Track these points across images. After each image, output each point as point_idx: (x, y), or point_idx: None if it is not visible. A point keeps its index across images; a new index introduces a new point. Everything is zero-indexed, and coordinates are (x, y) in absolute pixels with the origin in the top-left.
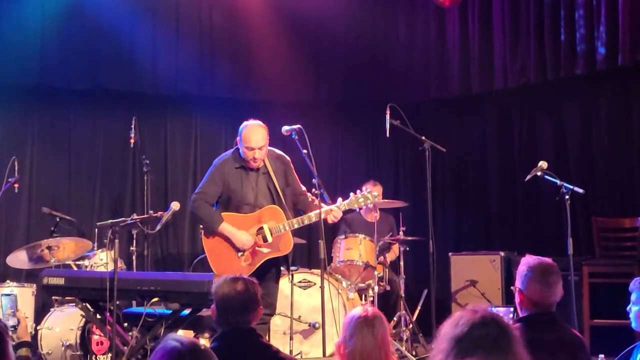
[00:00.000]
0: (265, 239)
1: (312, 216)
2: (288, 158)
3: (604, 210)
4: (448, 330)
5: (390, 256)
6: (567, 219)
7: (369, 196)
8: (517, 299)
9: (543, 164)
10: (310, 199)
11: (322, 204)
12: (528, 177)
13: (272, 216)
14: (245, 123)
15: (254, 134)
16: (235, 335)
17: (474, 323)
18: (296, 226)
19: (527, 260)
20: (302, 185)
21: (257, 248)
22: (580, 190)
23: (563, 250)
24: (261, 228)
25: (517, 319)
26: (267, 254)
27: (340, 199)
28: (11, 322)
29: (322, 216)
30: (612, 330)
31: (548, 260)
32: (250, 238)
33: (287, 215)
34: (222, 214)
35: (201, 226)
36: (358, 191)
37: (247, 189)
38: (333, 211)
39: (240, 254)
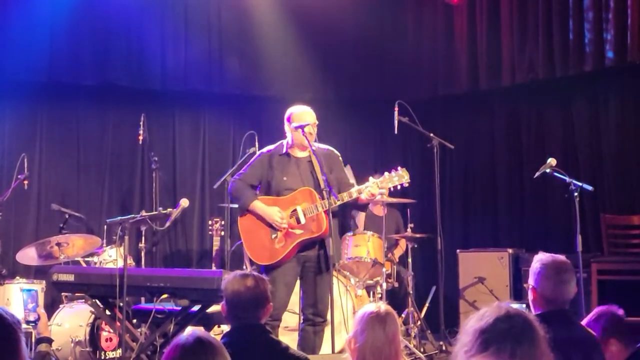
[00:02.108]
0: (298, 221)
1: (344, 195)
2: (337, 152)
3: (613, 207)
4: (473, 323)
5: (397, 252)
6: (576, 216)
7: (404, 175)
8: (530, 297)
9: (552, 161)
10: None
11: (332, 198)
12: (537, 174)
13: (305, 198)
14: (290, 108)
15: (305, 110)
16: (245, 331)
17: (499, 316)
18: (329, 207)
19: (540, 258)
20: (351, 179)
21: (290, 230)
22: (589, 187)
23: (572, 247)
24: (295, 210)
25: None
26: (300, 235)
27: (371, 178)
28: (32, 317)
29: (354, 195)
30: None
31: (562, 257)
32: (282, 215)
33: (322, 198)
34: (258, 196)
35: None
36: (392, 170)
37: (289, 174)
38: (370, 187)
39: (274, 235)
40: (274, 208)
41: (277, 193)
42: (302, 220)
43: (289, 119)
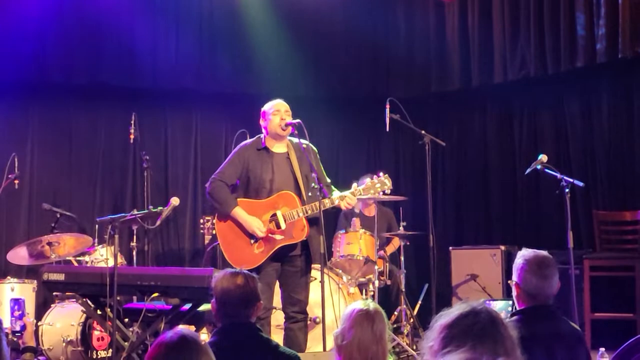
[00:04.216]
0: (278, 226)
1: (326, 202)
2: (314, 148)
3: (605, 204)
4: (439, 319)
5: (389, 249)
6: (567, 213)
7: (386, 181)
8: (514, 293)
9: (543, 158)
10: (333, 189)
11: (325, 199)
12: (528, 170)
13: (285, 202)
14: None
15: (278, 101)
16: (235, 330)
17: (462, 312)
18: (309, 212)
19: (523, 254)
20: (327, 178)
21: (270, 235)
22: (580, 184)
23: (564, 243)
24: (274, 215)
25: (514, 311)
26: (280, 241)
27: (355, 184)
28: (18, 326)
29: (336, 202)
30: (613, 323)
31: (544, 252)
32: (262, 225)
33: (303, 202)
34: (238, 200)
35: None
36: (375, 176)
37: (267, 171)
38: (347, 197)
39: (253, 241)
40: (254, 219)
41: (256, 190)
42: (283, 226)
43: (263, 114)
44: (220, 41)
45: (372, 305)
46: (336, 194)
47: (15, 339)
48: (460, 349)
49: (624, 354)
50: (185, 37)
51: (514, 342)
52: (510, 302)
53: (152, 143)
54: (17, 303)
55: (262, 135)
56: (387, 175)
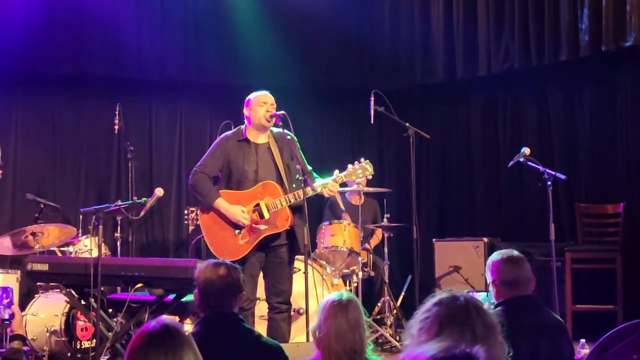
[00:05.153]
0: (262, 216)
1: (308, 190)
2: (295, 137)
3: (587, 196)
4: (419, 309)
5: (374, 241)
6: (549, 205)
7: (367, 167)
8: (493, 292)
9: (526, 150)
10: (315, 177)
11: (307, 187)
12: (511, 163)
13: (268, 192)
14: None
15: (265, 93)
16: (217, 320)
17: (441, 299)
18: (292, 201)
19: (491, 256)
20: (308, 165)
21: (254, 225)
22: (562, 176)
23: (546, 236)
24: (258, 205)
25: (496, 303)
26: (264, 231)
27: (337, 171)
28: (6, 314)
29: (318, 190)
30: (594, 315)
31: (510, 249)
32: (245, 213)
33: (285, 191)
34: (220, 191)
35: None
36: (356, 162)
37: (249, 162)
38: (329, 184)
39: (237, 231)
40: (237, 207)
41: (238, 181)
42: (266, 215)
43: (247, 103)
44: (206, 32)
45: (346, 295)
46: (319, 181)
47: (3, 328)
48: (439, 337)
49: (604, 345)
50: (171, 28)
51: (489, 328)
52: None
53: (136, 134)
54: (5, 291)
55: (242, 127)
56: (368, 160)
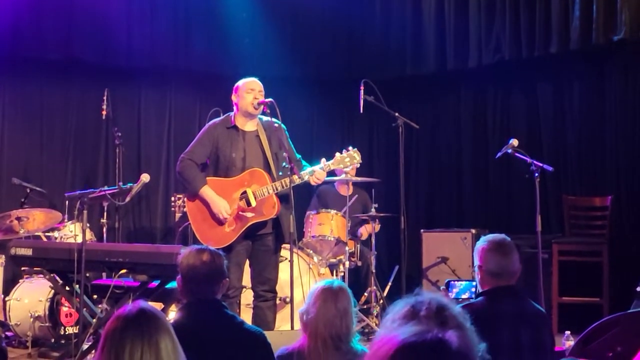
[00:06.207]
0: (249, 203)
1: (295, 178)
2: (283, 125)
3: (575, 189)
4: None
5: (368, 229)
6: (536, 197)
7: (355, 155)
8: (477, 277)
9: (514, 142)
10: (303, 164)
11: (294, 175)
12: (499, 154)
13: (255, 179)
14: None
15: (253, 80)
16: (200, 306)
17: (408, 301)
18: (280, 189)
19: (483, 238)
20: (297, 154)
21: (241, 213)
22: (550, 168)
23: (534, 228)
24: (245, 192)
25: (479, 292)
26: (251, 219)
27: (323, 160)
28: None
29: (305, 178)
30: (580, 307)
31: (502, 235)
32: (228, 207)
33: (273, 179)
34: (207, 178)
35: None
36: (344, 150)
37: (237, 149)
38: (316, 172)
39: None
40: (222, 200)
41: (226, 169)
42: (253, 203)
43: (236, 90)
44: (196, 20)
45: (337, 283)
46: (307, 169)
47: None
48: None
49: (588, 338)
50: (161, 15)
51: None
52: (474, 283)
53: (125, 120)
54: None
55: (231, 114)
56: (356, 149)
